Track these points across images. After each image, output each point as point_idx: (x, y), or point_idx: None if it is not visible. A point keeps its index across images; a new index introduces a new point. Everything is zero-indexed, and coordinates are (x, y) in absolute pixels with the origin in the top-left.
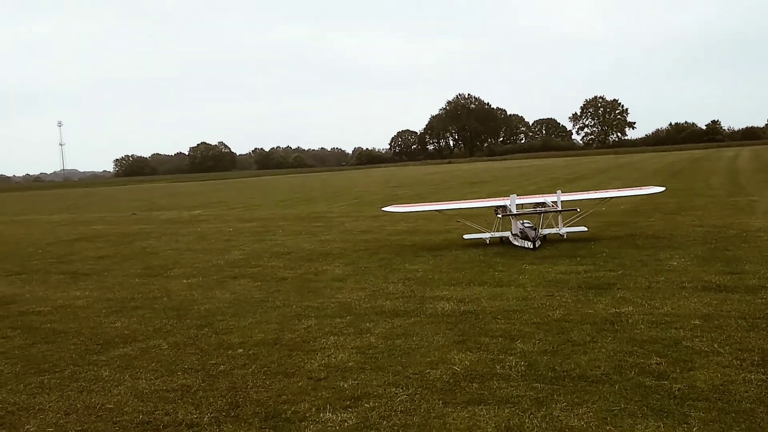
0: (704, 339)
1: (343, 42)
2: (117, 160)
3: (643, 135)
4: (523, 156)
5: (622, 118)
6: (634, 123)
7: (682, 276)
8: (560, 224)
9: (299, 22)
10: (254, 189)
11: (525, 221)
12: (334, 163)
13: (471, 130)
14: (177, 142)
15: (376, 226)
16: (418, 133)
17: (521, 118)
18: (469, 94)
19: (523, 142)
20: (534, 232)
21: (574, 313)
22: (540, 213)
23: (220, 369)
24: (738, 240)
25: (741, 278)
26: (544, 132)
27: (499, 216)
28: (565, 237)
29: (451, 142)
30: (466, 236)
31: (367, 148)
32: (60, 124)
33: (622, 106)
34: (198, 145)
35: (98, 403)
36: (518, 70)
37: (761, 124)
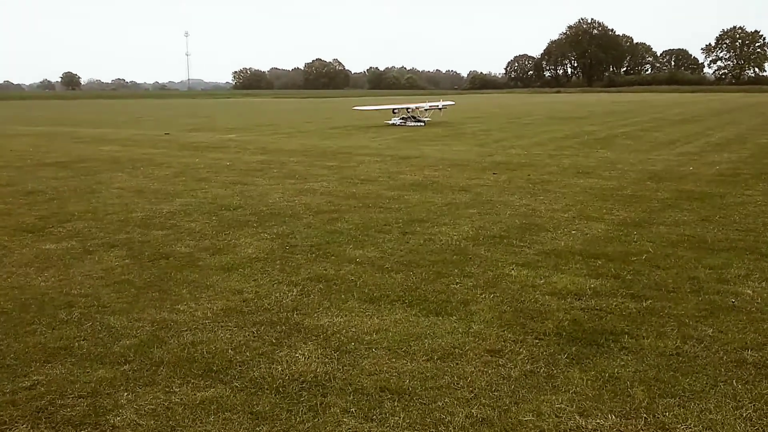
0: None
1: None
2: (235, 72)
3: None
4: (642, 89)
5: (762, 52)
6: None
7: (745, 331)
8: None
9: None
10: (328, 111)
11: (418, 115)
12: (448, 86)
13: (592, 58)
14: (295, 57)
15: (393, 172)
16: (536, 58)
17: (648, 48)
18: (592, 19)
19: (648, 73)
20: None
21: (512, 419)
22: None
23: None
24: None
25: None
26: (672, 64)
27: (395, 113)
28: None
29: (569, 70)
30: (386, 121)
31: (481, 72)
32: (187, 35)
33: (764, 38)
34: (313, 61)
35: None
36: None
37: None
